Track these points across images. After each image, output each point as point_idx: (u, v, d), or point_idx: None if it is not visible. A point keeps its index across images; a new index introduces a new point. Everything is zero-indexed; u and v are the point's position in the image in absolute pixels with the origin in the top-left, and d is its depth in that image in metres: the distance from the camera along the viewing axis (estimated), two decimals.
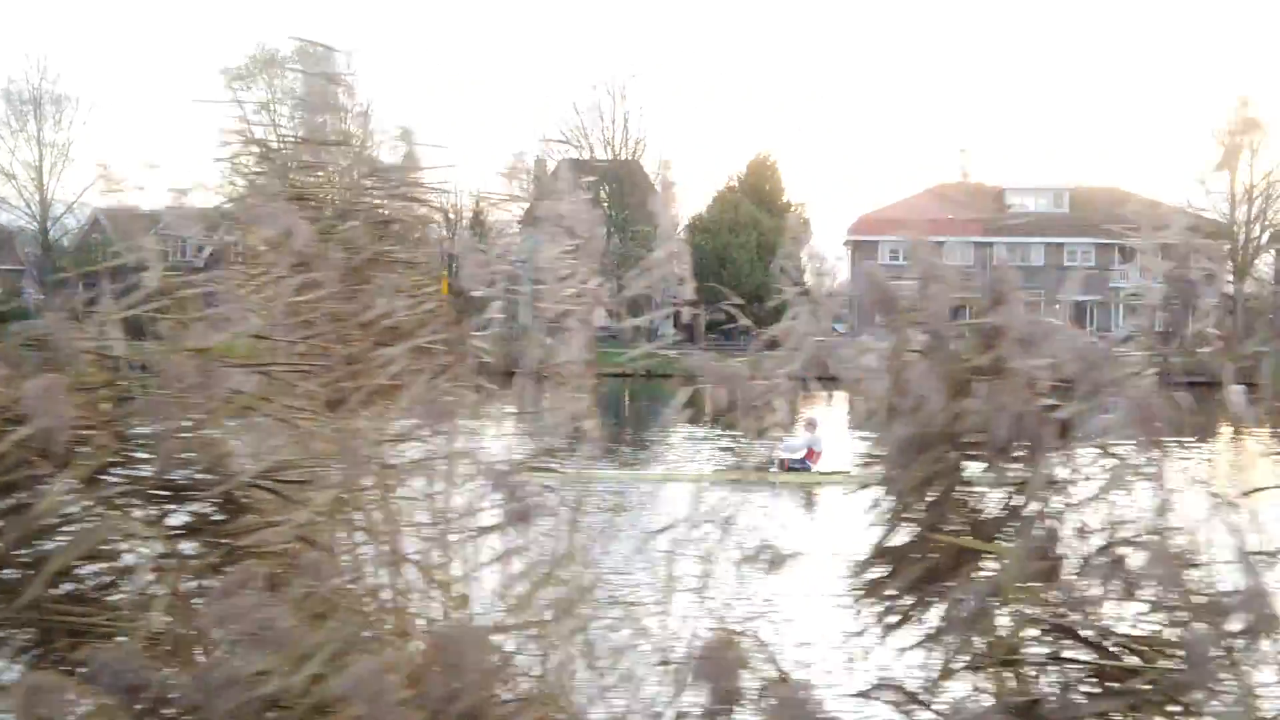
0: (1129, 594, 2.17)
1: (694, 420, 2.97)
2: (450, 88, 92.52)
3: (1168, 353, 3.51)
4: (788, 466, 17.32)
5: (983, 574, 2.25)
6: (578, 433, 2.94)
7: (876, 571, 2.45)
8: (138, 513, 2.58)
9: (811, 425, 17.72)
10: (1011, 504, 2.38)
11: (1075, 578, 2.23)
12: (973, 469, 2.48)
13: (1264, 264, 56.60)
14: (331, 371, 2.94)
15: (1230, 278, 54.90)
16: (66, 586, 2.42)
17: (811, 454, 18.00)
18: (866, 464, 2.44)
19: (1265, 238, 54.62)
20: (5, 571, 2.34)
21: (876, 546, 2.44)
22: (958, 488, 2.45)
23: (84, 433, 2.45)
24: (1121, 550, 2.21)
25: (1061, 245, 58.49)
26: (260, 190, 3.20)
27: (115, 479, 2.54)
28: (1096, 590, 2.23)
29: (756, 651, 2.20)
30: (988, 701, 2.26)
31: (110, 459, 2.45)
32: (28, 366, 2.40)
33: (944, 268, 2.29)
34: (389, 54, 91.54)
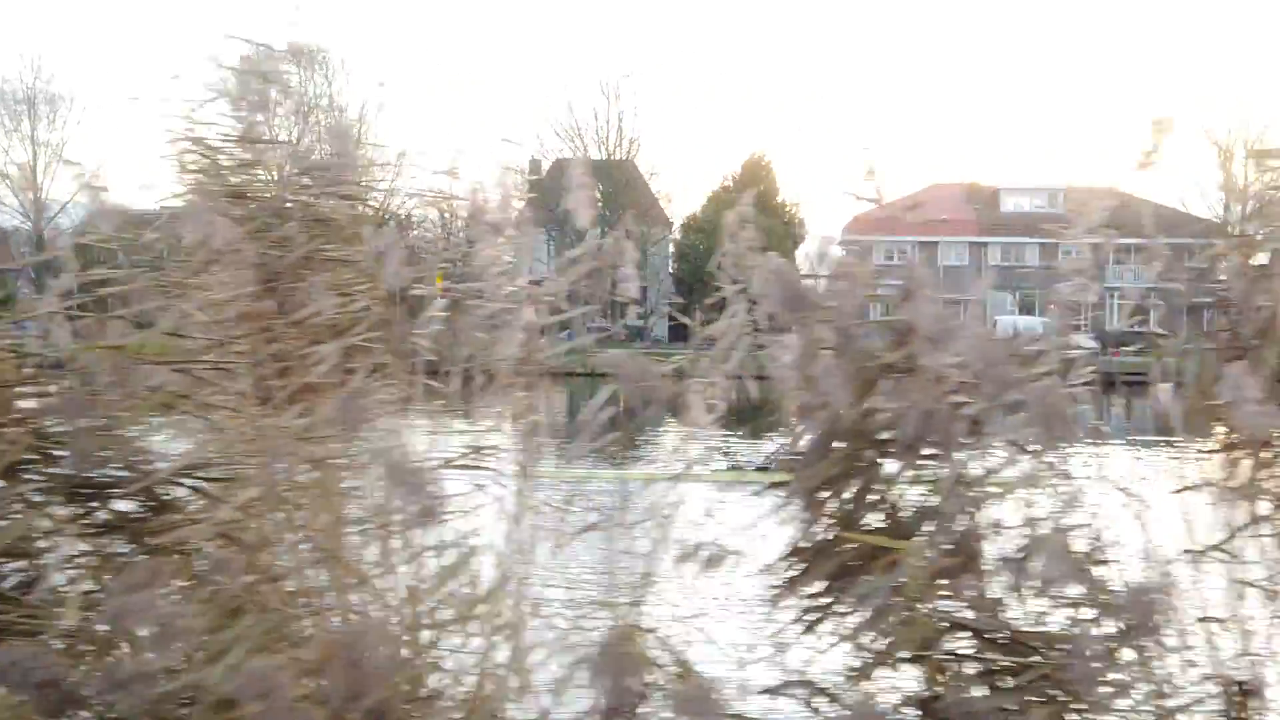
0: (1034, 591, 2.18)
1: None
2: (450, 88, 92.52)
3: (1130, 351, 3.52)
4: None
5: (890, 571, 2.25)
6: (516, 430, 2.94)
7: (792, 570, 2.46)
8: (60, 510, 2.59)
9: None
10: (926, 501, 2.39)
11: (980, 574, 2.23)
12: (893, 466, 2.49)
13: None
14: (260, 369, 2.95)
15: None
16: None
17: None
18: (781, 462, 2.45)
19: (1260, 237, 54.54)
20: None
21: (791, 545, 2.44)
22: (875, 485, 2.46)
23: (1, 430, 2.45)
24: (1028, 547, 2.22)
25: (1056, 245, 58.38)
26: (196, 189, 3.20)
27: (35, 476, 2.55)
28: (1003, 587, 2.24)
29: (661, 648, 2.20)
30: (896, 697, 2.27)
31: (27, 455, 2.46)
32: None
33: (852, 265, 2.30)
34: (388, 54, 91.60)
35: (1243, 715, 2.45)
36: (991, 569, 2.24)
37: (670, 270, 58.25)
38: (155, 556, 2.40)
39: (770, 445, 18.74)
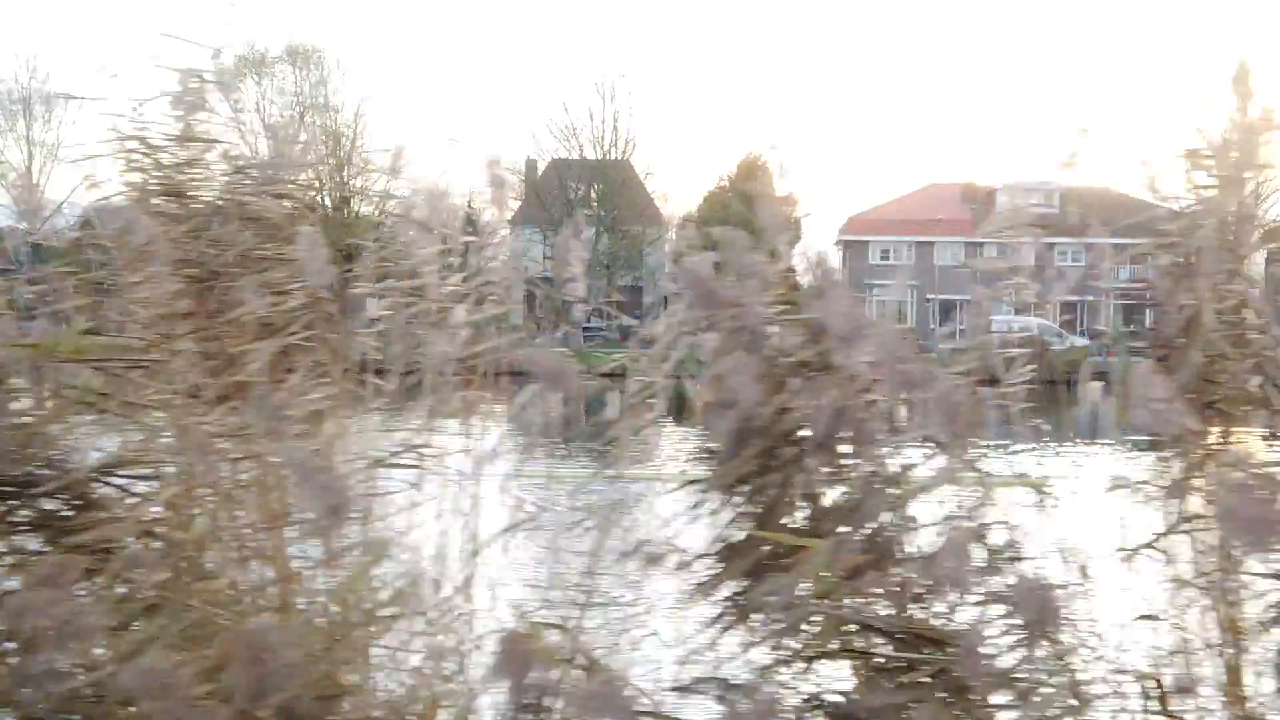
0: (939, 588, 2.18)
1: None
2: (450, 88, 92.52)
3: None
4: None
5: (802, 569, 2.26)
6: (455, 429, 2.96)
7: (711, 567, 2.46)
8: None
9: None
10: (843, 499, 2.39)
11: (892, 572, 2.24)
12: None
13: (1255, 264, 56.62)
14: (193, 367, 2.95)
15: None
16: None
17: None
18: (698, 460, 2.46)
19: (1254, 237, 54.67)
20: None
21: (709, 543, 2.45)
22: (794, 483, 2.46)
23: None
24: (934, 544, 2.23)
25: (1052, 245, 58.43)
26: (135, 188, 3.21)
27: None
28: (914, 584, 2.24)
29: (573, 645, 2.21)
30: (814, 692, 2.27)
31: None
32: None
33: (761, 263, 2.31)
34: (385, 54, 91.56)
35: (1165, 713, 2.45)
36: (902, 566, 2.25)
37: (667, 270, 58.22)
38: (71, 554, 2.40)
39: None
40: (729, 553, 2.46)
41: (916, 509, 2.44)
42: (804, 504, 2.49)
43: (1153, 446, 2.86)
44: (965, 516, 2.35)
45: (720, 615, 2.46)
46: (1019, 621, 1.98)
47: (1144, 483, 2.87)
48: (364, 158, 58.33)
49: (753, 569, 2.41)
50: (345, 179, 57.10)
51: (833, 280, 2.33)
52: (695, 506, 2.42)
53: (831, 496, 2.43)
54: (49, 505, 2.66)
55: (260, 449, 2.57)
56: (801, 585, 2.25)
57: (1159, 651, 2.78)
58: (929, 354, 2.48)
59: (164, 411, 2.80)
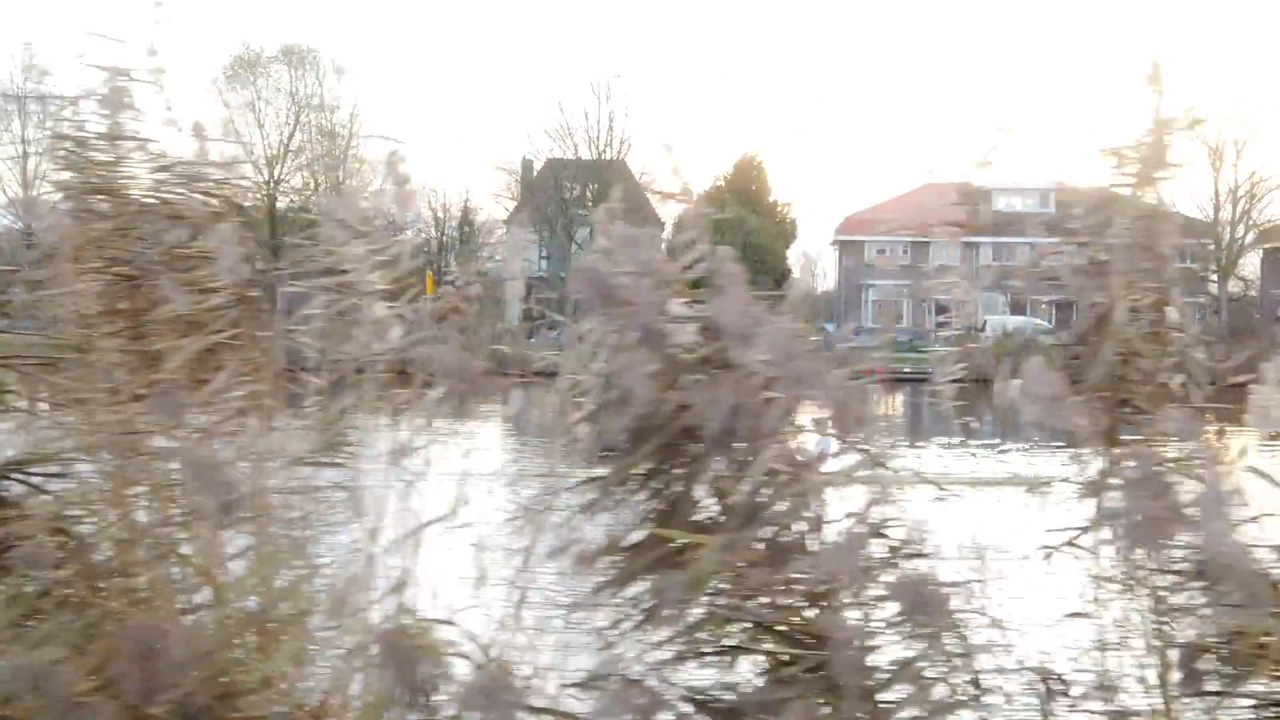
0: (829, 587, 2.19)
1: None
2: (450, 87, 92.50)
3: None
4: None
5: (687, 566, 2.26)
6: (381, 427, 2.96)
7: (612, 564, 2.46)
8: None
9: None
10: (741, 497, 2.40)
11: (784, 568, 2.24)
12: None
13: (1249, 265, 56.70)
14: (116, 365, 2.96)
15: (1215, 277, 55.10)
16: None
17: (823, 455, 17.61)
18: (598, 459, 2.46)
19: (1249, 238, 54.72)
20: None
21: (609, 542, 2.45)
22: (697, 480, 2.47)
23: None
24: (826, 542, 2.23)
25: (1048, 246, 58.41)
26: (61, 186, 3.22)
27: None
28: (809, 581, 2.25)
29: (457, 640, 2.21)
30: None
31: None
32: None
33: (657, 261, 2.31)
34: (382, 54, 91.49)
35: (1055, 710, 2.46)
36: (794, 563, 2.25)
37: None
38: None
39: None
40: (631, 550, 2.46)
41: (828, 507, 2.45)
42: (712, 501, 2.50)
43: (1068, 445, 2.86)
44: (861, 514, 2.36)
45: (624, 612, 2.47)
46: (903, 617, 1.98)
47: (1059, 482, 2.88)
48: (359, 157, 58.54)
49: (653, 566, 2.42)
50: (341, 179, 57.18)
51: (730, 277, 2.33)
52: (595, 504, 2.42)
53: (734, 494, 2.44)
54: None
55: (163, 446, 2.58)
56: (702, 582, 2.26)
57: (1079, 649, 2.79)
58: (831, 350, 2.48)
59: (81, 408, 2.80)
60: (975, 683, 2.39)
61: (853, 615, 2.17)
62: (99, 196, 3.22)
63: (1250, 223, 54.84)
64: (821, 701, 1.98)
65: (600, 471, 2.40)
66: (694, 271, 2.38)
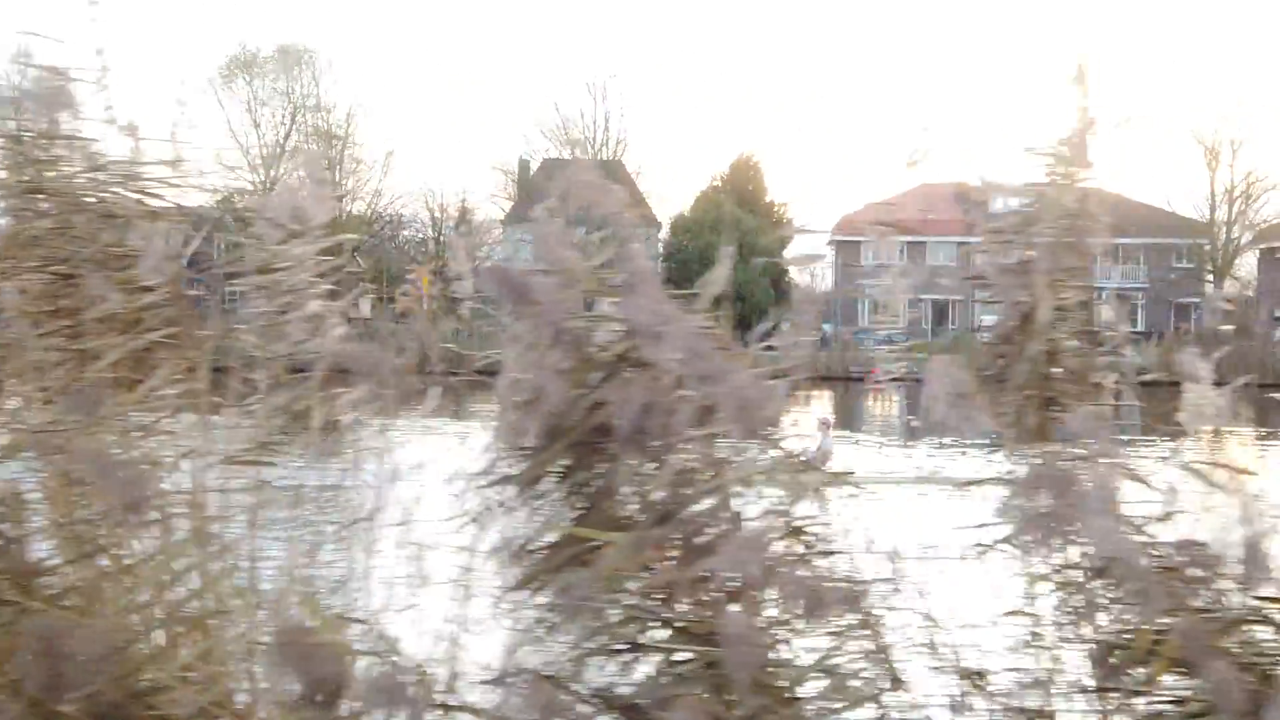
0: (735, 583, 2.20)
1: None
2: (449, 87, 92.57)
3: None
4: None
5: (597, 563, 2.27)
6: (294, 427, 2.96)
7: (526, 563, 2.47)
8: None
9: (825, 426, 16.83)
10: (654, 495, 2.41)
11: (691, 567, 2.25)
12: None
13: (1245, 265, 56.74)
14: (50, 364, 2.97)
15: (1211, 277, 55.15)
16: None
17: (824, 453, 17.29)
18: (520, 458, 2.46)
19: (1245, 239, 54.76)
20: None
21: (528, 539, 2.46)
22: (614, 478, 2.48)
23: None
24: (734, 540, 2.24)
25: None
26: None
27: None
28: (716, 578, 2.26)
29: (367, 637, 2.22)
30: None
31: None
32: None
33: (570, 259, 2.32)
34: (379, 54, 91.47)
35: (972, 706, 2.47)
36: (704, 561, 2.26)
37: (658, 269, 58.33)
38: None
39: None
40: (550, 548, 2.47)
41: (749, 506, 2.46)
42: (632, 499, 2.51)
43: (996, 444, 2.87)
44: (776, 512, 2.37)
45: (540, 610, 2.48)
46: (799, 613, 1.99)
47: (983, 481, 2.89)
48: (355, 157, 58.57)
49: (568, 564, 2.43)
50: (337, 179, 57.23)
51: (642, 276, 2.34)
52: (511, 502, 2.43)
53: (649, 492, 2.45)
54: None
55: (76, 444, 2.58)
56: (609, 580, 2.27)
57: (1008, 646, 2.80)
58: (744, 349, 2.50)
59: (11, 407, 2.81)
60: (894, 679, 2.41)
61: (765, 613, 2.18)
62: (38, 195, 3.23)
63: (1246, 223, 54.89)
64: (716, 697, 1.99)
65: (514, 470, 2.41)
66: (608, 270, 2.39)
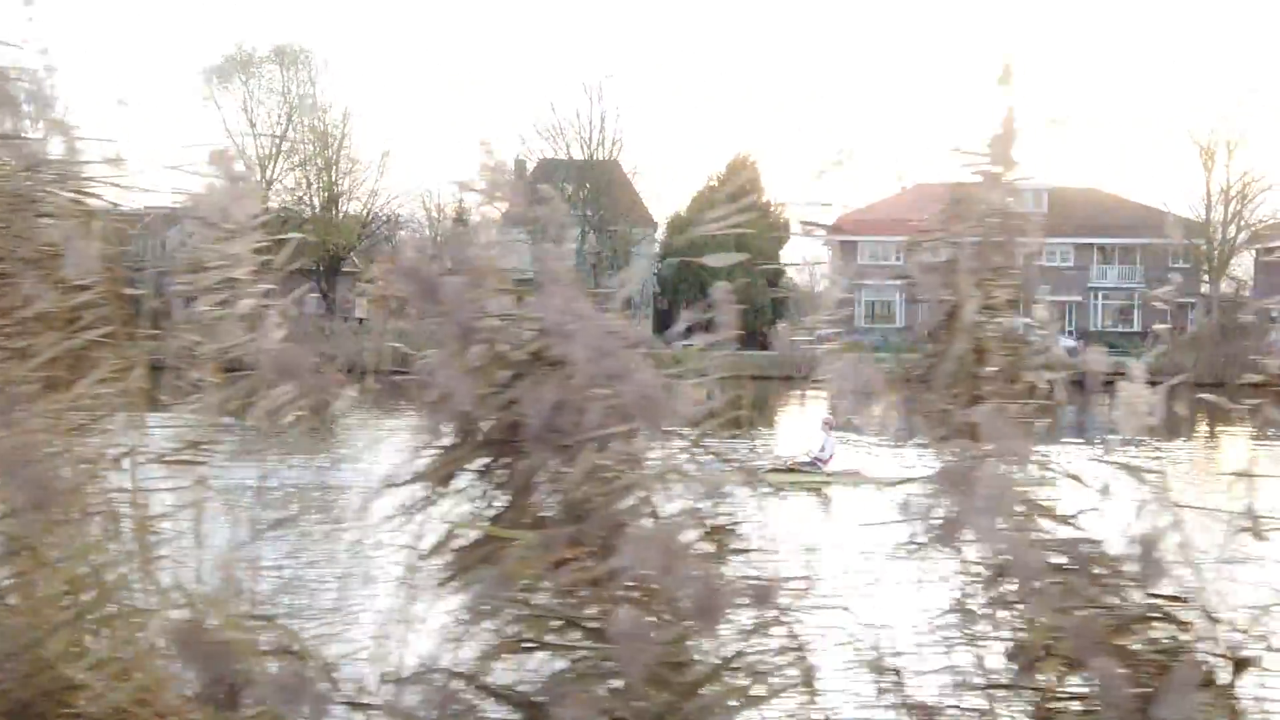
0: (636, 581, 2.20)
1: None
2: (448, 88, 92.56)
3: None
4: (794, 466, 16.74)
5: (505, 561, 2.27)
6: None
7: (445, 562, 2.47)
8: None
9: (828, 426, 16.78)
10: (567, 493, 2.41)
11: (600, 563, 2.25)
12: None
13: (1240, 265, 56.72)
14: None
15: (1206, 277, 55.11)
16: None
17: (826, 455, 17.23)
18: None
19: (1241, 238, 54.75)
20: None
21: (443, 538, 2.46)
22: (532, 477, 2.48)
23: None
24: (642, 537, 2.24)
25: (1040, 246, 58.58)
26: None
27: None
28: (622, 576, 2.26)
29: (275, 635, 2.22)
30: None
31: None
32: None
33: (477, 258, 2.32)
34: (376, 54, 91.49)
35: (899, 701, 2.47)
36: (610, 559, 2.26)
37: (655, 269, 58.20)
38: None
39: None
40: (464, 547, 2.47)
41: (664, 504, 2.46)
42: (550, 497, 2.51)
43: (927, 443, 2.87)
44: (688, 511, 2.37)
45: (456, 608, 2.48)
46: (688, 612, 1.99)
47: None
48: (351, 157, 58.48)
49: (481, 563, 2.43)
50: (333, 179, 57.19)
51: (555, 275, 2.34)
52: (424, 501, 2.43)
53: (565, 490, 2.45)
54: None
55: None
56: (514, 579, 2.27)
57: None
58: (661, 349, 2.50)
59: None
60: (807, 675, 2.41)
61: (668, 611, 2.18)
62: None
63: (1242, 223, 54.86)
64: (615, 694, 1.99)
65: (424, 469, 2.42)
66: (518, 269, 2.39)
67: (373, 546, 2.69)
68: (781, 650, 2.38)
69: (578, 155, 55.65)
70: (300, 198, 56.99)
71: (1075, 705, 2.09)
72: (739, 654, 2.29)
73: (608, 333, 2.26)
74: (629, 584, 2.20)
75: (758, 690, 2.20)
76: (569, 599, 2.20)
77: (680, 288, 53.04)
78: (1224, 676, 2.12)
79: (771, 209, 61.95)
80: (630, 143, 58.32)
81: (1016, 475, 2.19)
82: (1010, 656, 2.39)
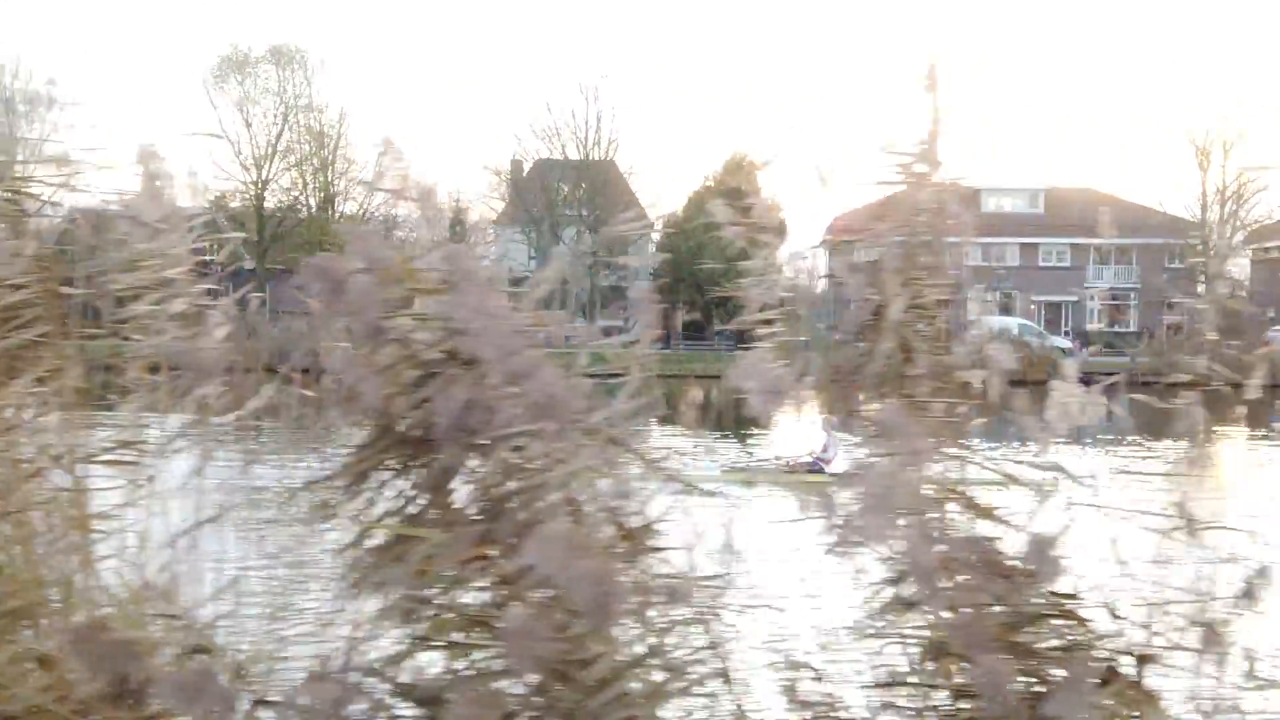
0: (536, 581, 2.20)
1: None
2: (447, 88, 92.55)
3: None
4: (795, 467, 16.64)
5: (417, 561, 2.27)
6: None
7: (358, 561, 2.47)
8: None
9: (829, 425, 16.45)
10: (479, 492, 2.41)
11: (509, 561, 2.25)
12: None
13: (1237, 266, 56.73)
14: None
15: (1203, 278, 55.08)
16: None
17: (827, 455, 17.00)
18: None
19: (1237, 239, 54.78)
20: None
21: (354, 537, 2.46)
22: (443, 476, 2.48)
23: None
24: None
25: (1036, 245, 58.76)
26: None
27: None
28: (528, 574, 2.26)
29: (184, 634, 2.22)
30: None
31: None
32: None
33: (386, 256, 2.32)
34: (374, 54, 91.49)
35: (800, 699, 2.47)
36: (511, 557, 2.26)
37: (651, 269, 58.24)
38: None
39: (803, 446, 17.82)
40: (378, 546, 2.47)
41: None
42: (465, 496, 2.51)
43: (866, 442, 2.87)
44: (602, 509, 2.37)
45: (368, 606, 2.48)
46: (582, 610, 1.99)
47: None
48: (347, 158, 58.47)
49: (394, 561, 2.43)
50: (329, 179, 57.20)
51: (466, 274, 2.34)
52: (335, 502, 2.43)
53: (477, 489, 2.45)
54: None
55: None
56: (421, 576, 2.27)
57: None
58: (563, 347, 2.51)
59: None
60: (724, 674, 2.42)
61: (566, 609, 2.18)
62: None
63: (1239, 223, 54.91)
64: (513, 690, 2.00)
65: (339, 467, 2.42)
66: (429, 267, 2.39)
67: (299, 545, 2.69)
68: (698, 649, 2.38)
69: (574, 155, 55.66)
70: (296, 198, 57.01)
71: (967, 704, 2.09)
72: (652, 651, 2.29)
73: (515, 332, 2.26)
74: (536, 582, 2.20)
75: (672, 686, 2.20)
76: (484, 597, 2.20)
77: (676, 288, 53.07)
78: (1128, 672, 2.12)
79: (771, 209, 61.89)
80: (626, 142, 58.24)
81: (916, 474, 2.19)
82: (920, 655, 2.40)
